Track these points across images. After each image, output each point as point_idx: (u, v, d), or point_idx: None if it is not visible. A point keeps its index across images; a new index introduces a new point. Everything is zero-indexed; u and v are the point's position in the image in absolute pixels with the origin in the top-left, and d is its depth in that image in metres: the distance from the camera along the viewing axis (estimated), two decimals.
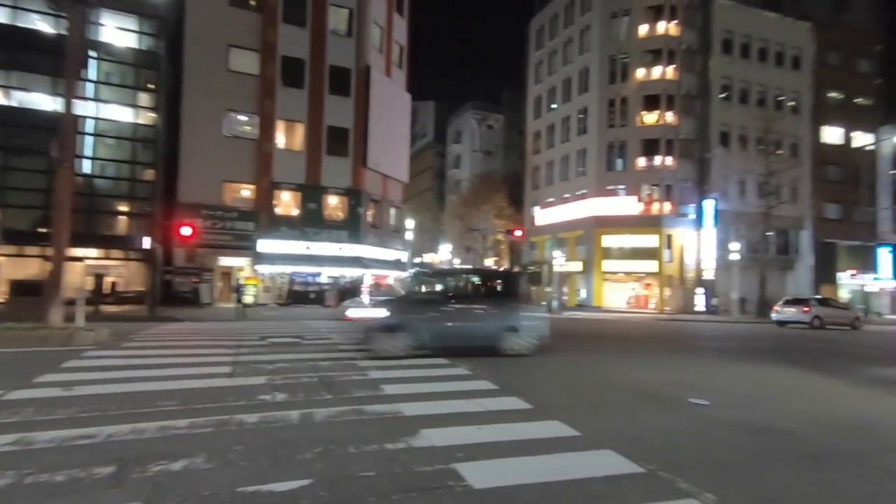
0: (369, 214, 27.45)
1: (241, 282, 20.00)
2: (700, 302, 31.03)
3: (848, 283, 36.31)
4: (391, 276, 28.24)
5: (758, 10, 35.92)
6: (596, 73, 34.75)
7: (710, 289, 31.57)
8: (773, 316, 24.62)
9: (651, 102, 32.94)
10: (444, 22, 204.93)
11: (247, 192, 25.15)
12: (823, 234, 35.76)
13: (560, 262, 30.68)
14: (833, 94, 36.61)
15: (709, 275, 31.80)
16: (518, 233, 33.23)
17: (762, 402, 6.84)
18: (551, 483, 3.54)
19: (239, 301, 17.70)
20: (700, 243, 32.18)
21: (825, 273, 35.64)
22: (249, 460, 3.83)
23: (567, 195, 37.21)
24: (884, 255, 36.50)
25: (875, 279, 36.37)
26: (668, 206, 32.59)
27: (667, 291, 32.26)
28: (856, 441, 5.09)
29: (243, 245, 24.08)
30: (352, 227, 26.16)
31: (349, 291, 23.51)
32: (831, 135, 36.63)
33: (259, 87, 24.87)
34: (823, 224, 35.91)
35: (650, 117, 33.02)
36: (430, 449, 4.17)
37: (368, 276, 26.28)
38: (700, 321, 25.46)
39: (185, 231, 18.01)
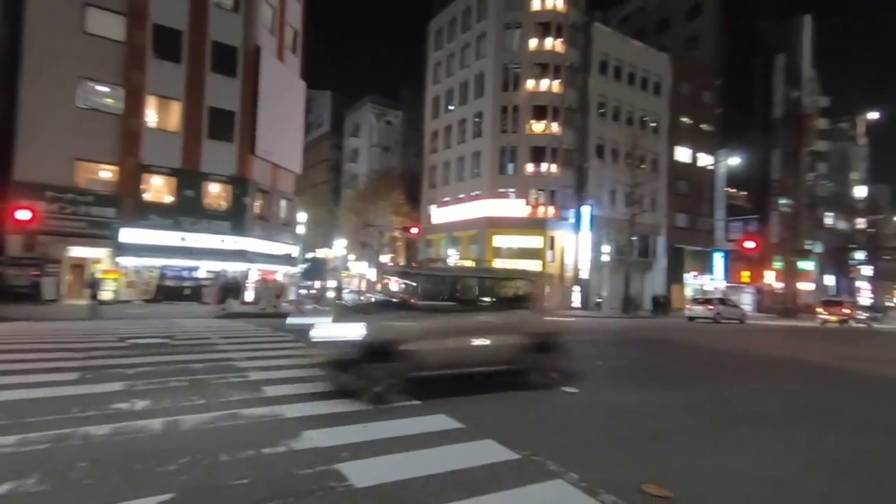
0: (257, 205, 25.66)
1: (98, 275, 17.46)
2: (577, 299, 34.02)
3: (691, 282, 42.46)
4: (280, 272, 26.74)
5: (628, 38, 40.40)
6: (491, 79, 36.31)
7: (586, 287, 34.80)
8: (686, 312, 30.14)
9: (539, 112, 35.30)
10: (345, 13, 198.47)
11: (107, 173, 21.98)
12: (674, 240, 41.34)
13: (455, 260, 31.58)
14: (684, 119, 42.46)
15: (584, 274, 35.03)
16: (414, 230, 33.54)
17: (628, 388, 7.72)
18: (434, 475, 3.63)
19: (94, 297, 15.42)
20: (578, 245, 35.29)
21: (675, 274, 41.26)
22: (96, 477, 3.36)
23: (462, 195, 38.38)
24: (718, 259, 43.29)
25: (711, 279, 43.02)
26: (552, 210, 35.22)
27: (548, 290, 34.84)
28: (695, 418, 5.97)
29: (101, 234, 20.99)
30: (236, 219, 24.24)
31: (232, 288, 21.77)
32: (682, 154, 42.46)
33: (125, 56, 21.86)
34: (674, 231, 41.51)
35: (538, 126, 35.37)
36: (313, 451, 4.02)
37: (255, 272, 24.59)
38: (577, 316, 27.97)
39: (22, 215, 15.25)
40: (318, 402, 5.59)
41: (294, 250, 27.36)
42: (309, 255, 38.88)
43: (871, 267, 61.66)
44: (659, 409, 6.21)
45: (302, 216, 26.60)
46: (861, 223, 62.64)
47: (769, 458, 4.60)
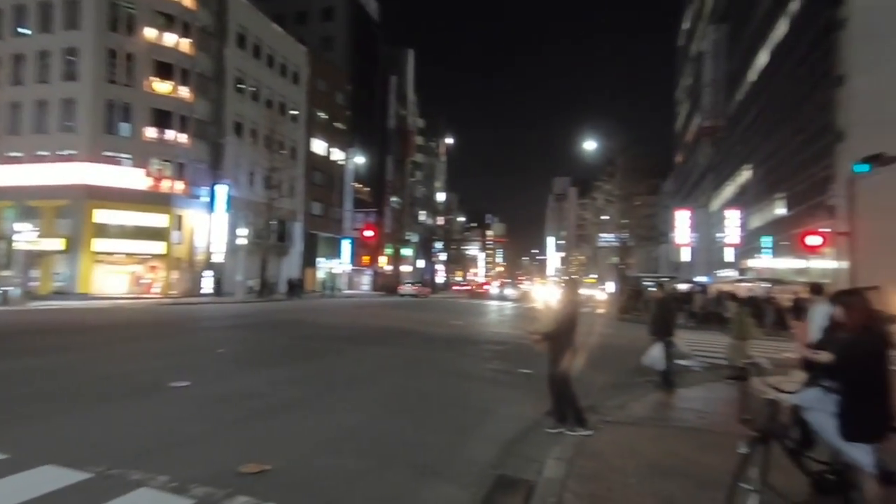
0: None
1: None
2: (208, 284, 31.31)
3: (323, 266, 46.38)
4: None
5: (268, 19, 39.83)
6: (91, 11, 28.49)
7: (220, 271, 32.49)
8: (400, 291, 45.14)
9: (164, 70, 30.29)
10: None
11: None
12: (310, 227, 44.02)
13: (29, 237, 23.30)
14: (321, 114, 45.64)
15: (219, 258, 32.64)
16: None
17: (247, 371, 7.57)
18: None
19: None
20: (211, 226, 32.49)
21: (309, 258, 44.04)
22: None
23: (44, 153, 28.74)
24: (346, 245, 48.98)
25: (340, 263, 48.30)
26: (180, 186, 31.02)
27: (174, 274, 30.69)
28: (305, 389, 6.44)
29: None
30: None
31: None
32: (318, 147, 45.57)
33: None
34: (310, 218, 44.20)
35: (163, 86, 30.33)
36: None
37: None
38: (207, 303, 25.75)
39: None
40: None
41: None
42: None
43: (446, 254, 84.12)
44: (274, 387, 6.42)
45: None
46: (441, 221, 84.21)
47: (359, 413, 5.50)
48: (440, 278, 77.10)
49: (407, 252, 64.54)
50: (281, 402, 5.76)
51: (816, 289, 6.03)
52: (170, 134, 30.53)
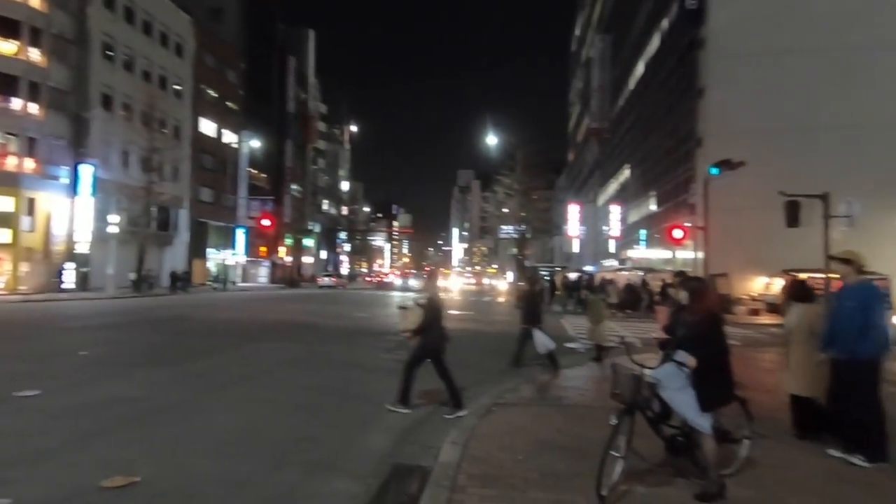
0: None
1: None
2: (70, 278, 27.30)
3: (214, 257, 42.85)
4: None
5: None
6: None
7: (86, 263, 28.48)
8: (319, 282, 46.43)
9: (7, 27, 25.56)
10: None
11: None
12: (198, 214, 40.29)
13: None
14: (210, 92, 41.71)
15: (83, 248, 28.59)
16: None
17: (113, 375, 6.76)
18: None
19: None
20: (73, 212, 28.29)
21: (198, 248, 40.39)
22: None
23: None
24: (240, 234, 45.65)
25: (233, 254, 44.95)
26: (30, 164, 26.56)
27: (25, 267, 26.33)
28: (183, 391, 5.92)
29: None
30: None
31: None
32: (207, 127, 41.68)
33: None
34: (198, 205, 40.44)
35: (6, 46, 25.63)
36: None
37: None
38: (69, 300, 22.51)
39: None
40: None
41: None
42: None
43: (350, 245, 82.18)
44: (148, 391, 5.85)
45: None
46: (345, 210, 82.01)
47: (248, 413, 5.19)
48: (345, 269, 75.20)
49: (309, 242, 61.94)
50: (155, 406, 5.23)
51: (680, 275, 6.83)
52: (16, 102, 25.95)
